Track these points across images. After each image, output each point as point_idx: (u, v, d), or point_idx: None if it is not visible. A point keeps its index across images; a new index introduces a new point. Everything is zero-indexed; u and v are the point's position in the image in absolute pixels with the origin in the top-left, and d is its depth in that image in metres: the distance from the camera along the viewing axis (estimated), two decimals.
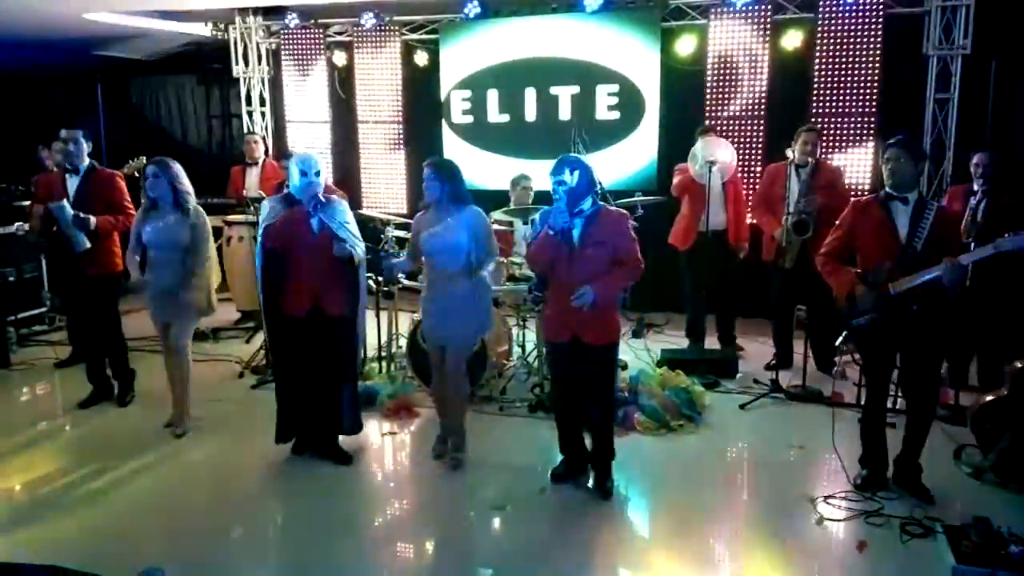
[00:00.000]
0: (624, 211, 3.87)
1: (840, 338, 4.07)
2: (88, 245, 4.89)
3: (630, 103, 7.11)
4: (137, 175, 5.16)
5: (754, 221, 6.00)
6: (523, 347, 5.64)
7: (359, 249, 4.15)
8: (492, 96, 7.50)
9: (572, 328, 3.74)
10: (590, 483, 4.01)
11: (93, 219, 4.83)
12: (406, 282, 5.59)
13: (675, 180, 5.90)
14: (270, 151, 7.94)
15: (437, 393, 4.39)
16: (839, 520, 3.63)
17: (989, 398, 4.12)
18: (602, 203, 3.86)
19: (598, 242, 3.68)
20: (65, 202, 4.85)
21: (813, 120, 6.30)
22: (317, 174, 4.04)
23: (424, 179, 4.06)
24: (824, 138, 6.18)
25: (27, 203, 6.64)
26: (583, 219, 3.71)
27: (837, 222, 3.92)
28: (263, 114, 8.45)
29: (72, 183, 4.99)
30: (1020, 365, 4.00)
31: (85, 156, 5.02)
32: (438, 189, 4.02)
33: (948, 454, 4.16)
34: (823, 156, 5.88)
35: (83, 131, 5.05)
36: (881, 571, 3.26)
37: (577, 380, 3.88)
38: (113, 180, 5.07)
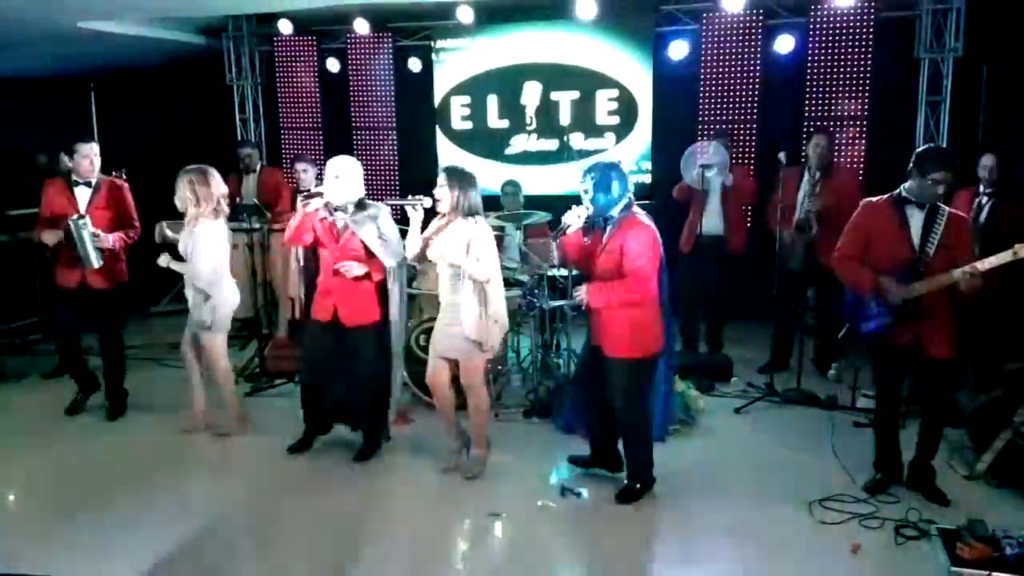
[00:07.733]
0: (647, 225, 3.70)
1: (842, 331, 4.04)
2: (100, 264, 4.75)
3: (624, 108, 7.12)
4: None
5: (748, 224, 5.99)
6: (517, 352, 5.63)
7: (389, 260, 4.09)
8: (492, 101, 7.52)
9: (596, 335, 3.79)
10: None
11: (111, 238, 4.75)
12: None
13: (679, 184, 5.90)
14: (264, 159, 7.94)
15: (440, 405, 4.20)
16: (834, 523, 3.62)
17: (985, 399, 4.13)
18: (630, 212, 3.73)
19: (611, 250, 3.67)
20: (88, 218, 4.70)
21: (808, 124, 6.32)
22: (337, 177, 4.03)
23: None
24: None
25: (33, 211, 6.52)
26: (608, 225, 3.73)
27: (849, 223, 3.85)
28: (257, 122, 8.45)
29: (82, 193, 4.83)
30: (1015, 366, 4.01)
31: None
32: (447, 197, 3.90)
33: (943, 456, 4.15)
34: (837, 158, 5.88)
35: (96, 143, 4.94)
36: (876, 573, 3.25)
37: (596, 386, 3.88)
38: (124, 191, 4.98)
